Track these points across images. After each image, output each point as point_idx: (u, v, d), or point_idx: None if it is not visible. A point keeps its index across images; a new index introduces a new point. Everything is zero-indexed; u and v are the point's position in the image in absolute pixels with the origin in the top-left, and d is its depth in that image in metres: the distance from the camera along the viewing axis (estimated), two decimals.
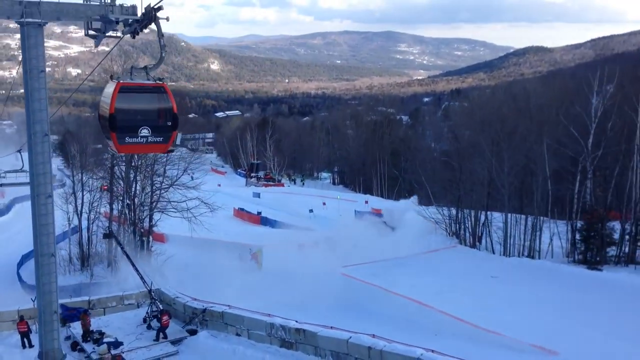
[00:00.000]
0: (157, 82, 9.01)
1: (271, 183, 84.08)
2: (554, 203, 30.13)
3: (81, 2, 10.96)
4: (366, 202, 56.88)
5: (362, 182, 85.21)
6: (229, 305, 19.96)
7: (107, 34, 11.02)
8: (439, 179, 35.83)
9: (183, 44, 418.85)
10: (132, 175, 28.79)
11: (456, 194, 32.16)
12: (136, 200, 28.58)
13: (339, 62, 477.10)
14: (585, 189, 29.00)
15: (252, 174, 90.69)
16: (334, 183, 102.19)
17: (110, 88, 9.11)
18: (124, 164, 30.13)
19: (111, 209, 32.10)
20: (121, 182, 29.73)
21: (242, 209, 53.94)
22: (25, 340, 18.93)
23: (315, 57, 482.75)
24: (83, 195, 32.95)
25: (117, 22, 10.73)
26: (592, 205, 28.28)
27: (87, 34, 11.43)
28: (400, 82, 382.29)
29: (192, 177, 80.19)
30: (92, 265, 32.29)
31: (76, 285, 28.46)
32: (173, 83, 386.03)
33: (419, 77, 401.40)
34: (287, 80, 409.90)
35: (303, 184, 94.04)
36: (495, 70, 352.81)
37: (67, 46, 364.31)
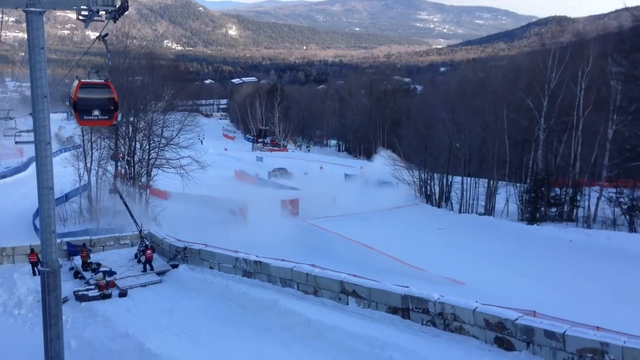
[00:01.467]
0: (105, 81, 12.74)
1: (276, 148, 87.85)
2: (510, 168, 33.41)
3: None
4: (361, 167, 60.47)
5: (362, 149, 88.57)
6: (205, 244, 23.85)
7: (92, 19, 14.60)
8: (411, 144, 39.22)
9: (201, 8, 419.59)
10: (132, 135, 32.49)
11: (422, 158, 35.63)
12: (135, 157, 32.37)
13: (358, 29, 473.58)
14: (536, 156, 32.19)
15: (259, 140, 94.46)
16: (339, 150, 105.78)
17: (75, 84, 12.89)
18: (128, 125, 33.89)
19: (116, 167, 36.08)
20: (122, 142, 33.48)
21: (242, 171, 57.78)
22: (35, 268, 22.92)
23: (334, 24, 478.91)
24: (92, 154, 36.94)
25: (98, 11, 14.28)
26: (540, 170, 31.53)
27: (78, 19, 15.01)
28: (419, 50, 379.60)
29: (201, 142, 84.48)
30: (99, 216, 36.39)
31: (84, 231, 32.55)
32: (191, 48, 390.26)
33: (438, 46, 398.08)
34: (304, 47, 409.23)
35: (309, 149, 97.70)
36: (516, 40, 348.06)
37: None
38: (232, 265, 21.93)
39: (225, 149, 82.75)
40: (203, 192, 40.01)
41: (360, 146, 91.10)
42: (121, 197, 28.81)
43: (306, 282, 19.04)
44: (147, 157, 32.35)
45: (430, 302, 15.51)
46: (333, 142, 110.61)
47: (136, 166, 32.58)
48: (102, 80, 12.76)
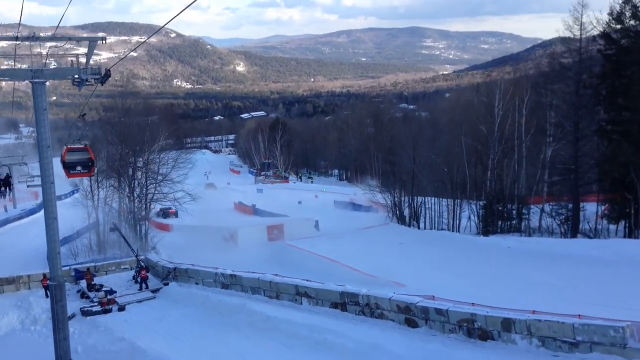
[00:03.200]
0: (85, 146, 17.17)
1: (277, 180, 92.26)
2: (470, 188, 37.27)
3: (68, 66, 18.90)
4: (354, 194, 64.50)
5: (360, 177, 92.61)
6: (192, 264, 27.88)
7: (84, 84, 18.98)
8: (381, 171, 43.40)
9: (209, 47, 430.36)
10: (132, 174, 36.91)
11: (392, 182, 39.71)
12: (134, 193, 36.71)
13: (364, 59, 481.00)
14: (490, 176, 36.04)
15: (262, 173, 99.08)
16: (340, 179, 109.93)
17: (64, 149, 17.30)
18: (129, 166, 38.27)
19: (120, 204, 40.43)
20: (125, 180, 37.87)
21: (240, 202, 61.99)
22: (47, 291, 26.95)
23: (341, 56, 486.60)
24: (99, 193, 41.31)
25: (87, 80, 18.68)
26: (492, 189, 35.36)
27: (73, 84, 19.36)
28: (425, 77, 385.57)
29: (207, 177, 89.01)
30: (107, 248, 40.51)
31: (92, 261, 36.74)
32: (200, 86, 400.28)
33: (444, 72, 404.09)
34: (312, 80, 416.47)
35: (311, 180, 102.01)
36: (521, 62, 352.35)
37: (96, 53, 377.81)
38: (213, 280, 25.92)
39: (228, 183, 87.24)
40: (203, 223, 44.29)
41: (357, 174, 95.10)
42: (120, 232, 33.05)
43: (270, 289, 22.98)
44: (145, 192, 36.60)
45: (360, 295, 19.36)
46: (336, 171, 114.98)
47: (135, 201, 36.79)
48: (82, 146, 17.42)
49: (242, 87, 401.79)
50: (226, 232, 40.53)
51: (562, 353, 14.22)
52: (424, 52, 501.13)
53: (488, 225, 34.35)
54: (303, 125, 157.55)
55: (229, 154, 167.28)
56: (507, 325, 15.24)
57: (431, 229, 37.91)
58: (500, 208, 34.00)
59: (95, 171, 19.80)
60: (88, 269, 28.62)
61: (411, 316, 17.67)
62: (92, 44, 19.29)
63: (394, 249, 30.91)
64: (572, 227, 30.79)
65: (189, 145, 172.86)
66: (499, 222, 34.24)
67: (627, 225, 28.61)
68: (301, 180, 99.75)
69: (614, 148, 27.66)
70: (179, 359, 18.93)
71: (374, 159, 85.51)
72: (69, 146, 17.48)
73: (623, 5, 27.85)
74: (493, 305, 16.59)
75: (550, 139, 32.18)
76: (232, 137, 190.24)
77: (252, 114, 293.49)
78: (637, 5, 27.46)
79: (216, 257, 32.57)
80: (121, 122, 37.59)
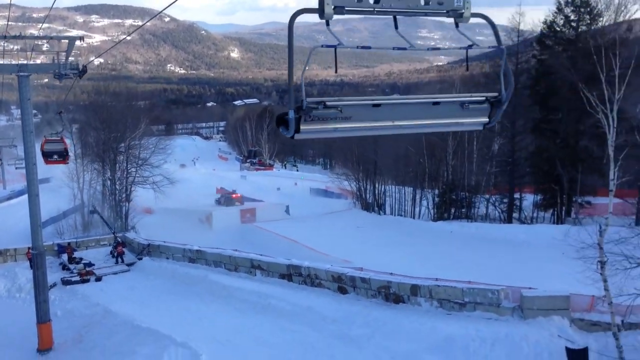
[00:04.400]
0: (60, 138, 19.89)
1: (262, 168, 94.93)
2: (430, 177, 40.23)
3: (49, 61, 21.54)
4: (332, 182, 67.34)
5: (341, 165, 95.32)
6: (164, 241, 30.73)
7: (64, 78, 21.65)
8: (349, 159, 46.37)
9: (203, 32, 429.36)
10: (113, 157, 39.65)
11: (356, 170, 42.69)
12: (115, 177, 39.50)
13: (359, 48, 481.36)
14: (448, 167, 38.97)
15: (248, 160, 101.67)
16: (324, 168, 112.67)
17: (42, 140, 20.02)
18: (111, 150, 40.91)
19: (103, 187, 43.12)
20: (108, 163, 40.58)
21: (222, 188, 64.68)
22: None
23: None
24: (84, 176, 43.98)
25: (67, 74, 21.34)
26: (448, 180, 38.37)
27: (54, 77, 22.01)
28: (419, 68, 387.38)
29: (194, 163, 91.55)
30: (90, 229, 43.22)
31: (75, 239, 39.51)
32: (194, 71, 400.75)
33: (439, 63, 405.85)
34: (306, 68, 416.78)
35: (297, 168, 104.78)
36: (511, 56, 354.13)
37: (89, 35, 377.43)
38: (181, 255, 28.80)
39: (214, 169, 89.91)
40: (183, 206, 47.09)
41: (340, 164, 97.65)
42: (99, 213, 35.88)
43: (229, 262, 25.90)
44: (126, 175, 39.39)
45: (302, 267, 22.27)
46: (321, 160, 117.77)
47: (117, 183, 39.55)
48: (59, 138, 20.24)
49: (236, 73, 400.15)
50: (202, 214, 43.34)
51: (454, 312, 17.21)
52: (419, 42, 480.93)
53: (442, 213, 37.28)
54: None
55: (219, 140, 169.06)
56: (415, 290, 18.21)
57: (392, 215, 40.82)
58: (453, 197, 36.95)
59: (69, 159, 22.94)
60: (69, 243, 31.44)
61: (342, 284, 20.60)
62: (72, 43, 22.09)
63: (351, 232, 33.84)
64: (507, 214, 33.90)
65: (180, 131, 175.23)
66: (452, 210, 37.19)
67: (554, 212, 31.70)
68: (285, 168, 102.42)
69: (542, 144, 30.60)
70: (145, 320, 21.65)
71: (355, 148, 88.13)
72: (47, 138, 20.26)
73: (556, 14, 30.69)
74: (418, 275, 19.61)
75: (497, 135, 35.10)
76: (223, 124, 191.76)
77: (245, 101, 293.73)
78: (568, 15, 30.29)
79: (192, 238, 35.42)
80: (104, 108, 40.27)
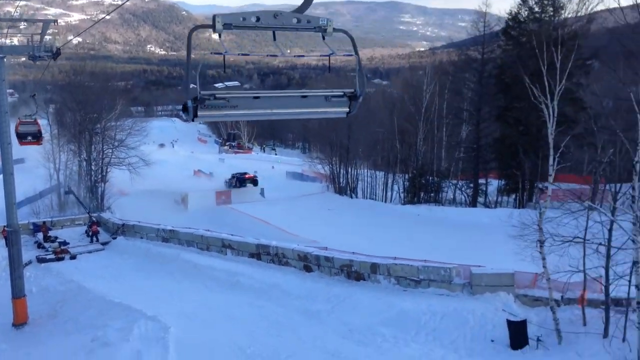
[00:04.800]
0: (34, 120, 20.40)
1: (240, 151, 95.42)
2: (401, 162, 41.31)
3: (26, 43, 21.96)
4: (273, 167, 68.59)
5: (319, 150, 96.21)
6: (138, 221, 31.39)
7: (38, 59, 22.11)
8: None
9: (184, 12, 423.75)
10: (89, 139, 40.00)
11: (330, 155, 43.67)
12: (91, 157, 39.90)
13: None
14: (418, 153, 40.10)
15: (227, 142, 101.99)
16: (304, 152, 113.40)
17: (17, 122, 20.53)
18: (86, 131, 41.23)
19: (79, 168, 43.44)
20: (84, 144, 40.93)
21: (200, 170, 65.26)
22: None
23: None
24: (60, 157, 44.25)
25: (41, 56, 21.81)
26: (418, 165, 39.51)
27: (29, 59, 22.46)
28: (402, 53, 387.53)
29: (173, 145, 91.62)
30: (66, 209, 43.60)
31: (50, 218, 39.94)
32: (174, 53, 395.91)
33: (421, 49, 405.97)
34: (289, 51, 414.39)
35: (275, 152, 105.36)
36: (487, 44, 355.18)
37: (67, 14, 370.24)
38: (155, 234, 29.52)
39: (192, 152, 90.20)
40: (161, 187, 47.58)
41: (318, 148, 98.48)
42: (74, 194, 36.37)
43: (201, 242, 26.71)
44: (102, 156, 39.82)
45: (270, 247, 23.18)
46: (300, 144, 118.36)
47: (92, 164, 39.98)
48: (32, 120, 20.77)
49: (217, 56, 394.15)
50: (178, 196, 43.96)
51: (410, 288, 18.30)
52: (401, 27, 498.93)
53: (412, 197, 38.43)
54: None
55: (199, 123, 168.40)
56: (374, 268, 19.26)
57: (364, 198, 41.88)
58: (423, 182, 38.08)
59: (43, 141, 23.62)
60: (44, 222, 31.94)
61: (307, 263, 21.57)
62: (46, 25, 22.57)
63: (322, 214, 34.82)
64: (472, 199, 35.17)
65: (160, 113, 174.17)
66: (422, 194, 38.35)
67: (516, 197, 33.01)
68: (264, 152, 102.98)
69: (506, 131, 31.78)
70: (117, 296, 22.40)
71: (330, 134, 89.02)
72: (21, 119, 20.77)
73: (520, 6, 31.72)
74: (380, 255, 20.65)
75: (465, 122, 36.25)
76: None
77: (226, 83, 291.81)
78: (532, 7, 31.34)
79: (167, 218, 36.09)
80: (80, 88, 40.54)
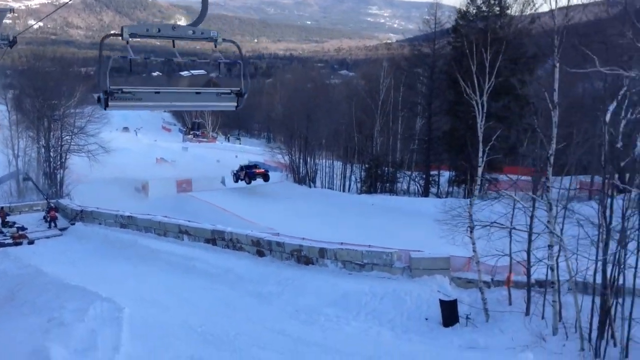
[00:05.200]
0: None
1: (205, 140, 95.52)
2: (358, 153, 42.50)
3: None
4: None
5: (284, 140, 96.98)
6: (97, 207, 31.81)
7: None
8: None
9: None
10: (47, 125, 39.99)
11: (290, 145, 44.71)
12: (50, 144, 39.92)
13: (309, 22, 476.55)
14: (375, 144, 41.36)
15: (192, 132, 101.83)
16: (269, 142, 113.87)
17: None
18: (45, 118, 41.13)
19: (38, 154, 43.32)
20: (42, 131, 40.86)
21: (162, 158, 65.36)
22: None
23: (285, 17, 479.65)
24: (19, 143, 44.02)
25: None
26: (374, 156, 40.79)
27: None
28: (369, 45, 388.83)
29: (136, 133, 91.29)
30: (25, 195, 43.48)
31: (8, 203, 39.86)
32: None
33: (388, 41, 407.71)
34: (255, 40, 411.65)
35: (240, 142, 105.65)
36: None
37: None
38: (113, 220, 30.02)
39: (155, 140, 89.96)
40: (121, 175, 47.74)
41: (283, 138, 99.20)
42: (32, 180, 36.50)
43: (159, 227, 27.38)
44: (60, 143, 39.88)
45: (225, 232, 24.03)
46: (266, 134, 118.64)
47: (51, 151, 40.02)
48: None
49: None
50: (138, 183, 44.30)
51: (355, 272, 19.45)
52: (369, 19, 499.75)
53: (369, 187, 39.68)
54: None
55: (164, 111, 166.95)
56: (322, 253, 20.34)
57: (322, 188, 42.99)
58: (378, 172, 39.37)
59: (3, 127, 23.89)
60: (2, 208, 32.04)
61: (260, 248, 22.53)
62: (2, 13, 22.97)
63: (280, 202, 35.76)
64: (424, 189, 36.67)
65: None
66: (378, 184, 39.66)
67: (465, 188, 34.57)
68: (229, 141, 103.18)
69: (455, 124, 33.24)
70: (74, 279, 22.98)
71: (296, 123, 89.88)
72: None
73: (469, 4, 33.13)
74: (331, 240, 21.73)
75: (419, 115, 37.65)
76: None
77: (192, 72, 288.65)
78: (480, 6, 32.77)
79: (128, 206, 36.48)
80: (39, 74, 40.44)
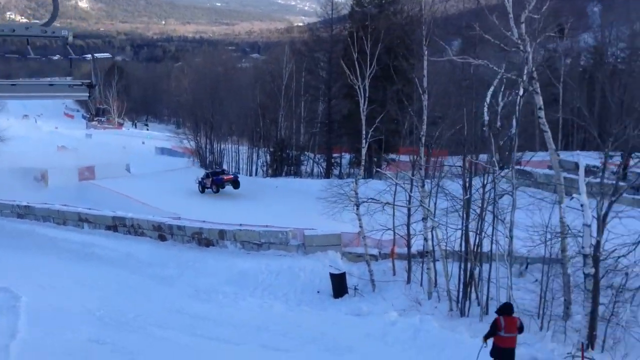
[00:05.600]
0: None
1: (110, 126, 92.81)
2: (263, 137, 43.30)
3: None
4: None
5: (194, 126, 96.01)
6: None
7: None
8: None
9: None
10: None
11: (195, 130, 44.96)
12: None
13: (219, 4, 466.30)
14: (280, 128, 42.32)
15: (96, 118, 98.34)
16: (178, 127, 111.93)
17: None
18: None
19: None
20: None
21: (63, 146, 63.14)
22: None
23: None
24: None
25: None
26: (279, 139, 41.81)
27: None
28: (280, 28, 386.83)
29: (35, 120, 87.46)
30: None
31: None
32: (37, 21, 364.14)
33: (299, 24, 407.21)
34: (163, 22, 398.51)
35: (147, 128, 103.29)
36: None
37: None
38: (10, 211, 29.26)
39: (56, 127, 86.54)
40: (19, 165, 45.88)
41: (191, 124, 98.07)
42: None
43: (58, 216, 27.02)
44: None
45: (127, 218, 24.18)
46: (174, 120, 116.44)
47: None
48: None
49: (85, 25, 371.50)
50: (37, 172, 42.85)
51: (253, 251, 20.36)
52: (279, 1, 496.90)
53: (275, 170, 40.61)
54: (149, 70, 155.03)
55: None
56: (222, 234, 21.09)
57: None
58: (283, 155, 40.39)
59: None
60: None
61: (162, 232, 22.94)
62: None
63: (185, 188, 35.93)
64: (326, 171, 38.17)
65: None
66: (284, 167, 40.67)
67: (364, 169, 36.28)
68: (136, 127, 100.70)
69: (353, 108, 34.68)
70: None
71: (203, 108, 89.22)
72: None
73: None
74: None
75: (320, 99, 38.91)
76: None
77: (97, 55, 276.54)
78: None
79: (26, 196, 35.36)
80: None
